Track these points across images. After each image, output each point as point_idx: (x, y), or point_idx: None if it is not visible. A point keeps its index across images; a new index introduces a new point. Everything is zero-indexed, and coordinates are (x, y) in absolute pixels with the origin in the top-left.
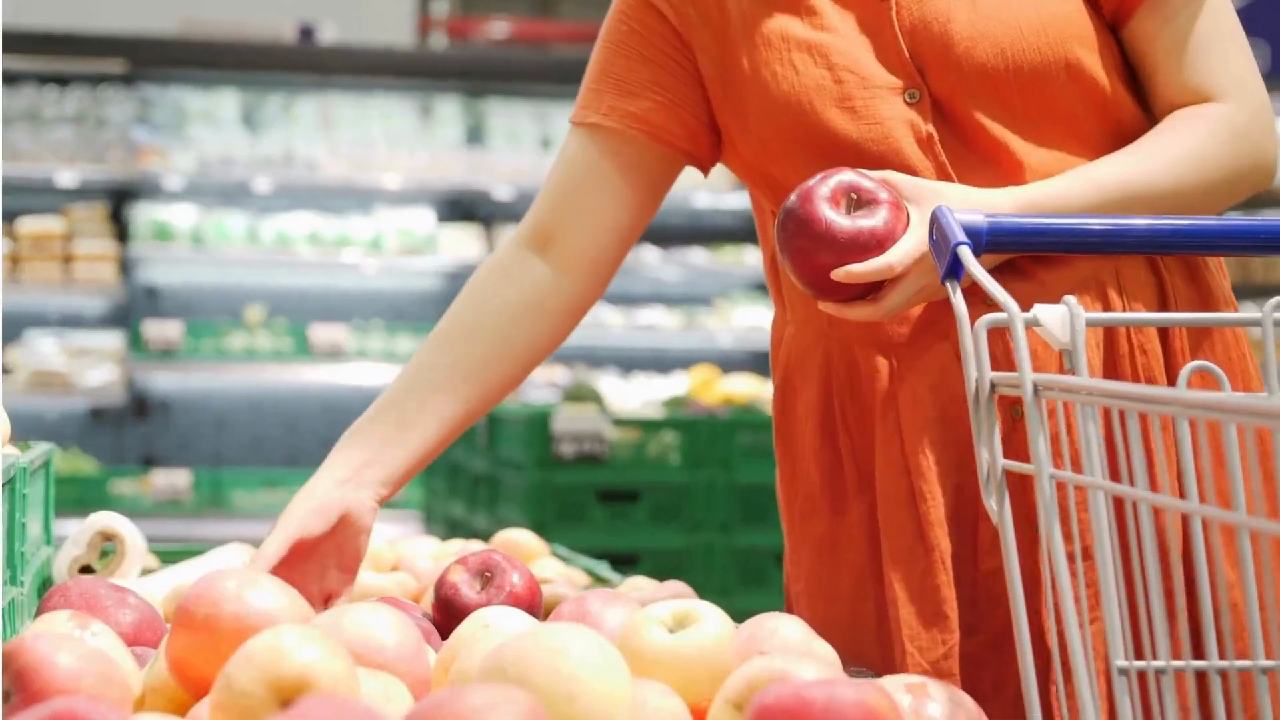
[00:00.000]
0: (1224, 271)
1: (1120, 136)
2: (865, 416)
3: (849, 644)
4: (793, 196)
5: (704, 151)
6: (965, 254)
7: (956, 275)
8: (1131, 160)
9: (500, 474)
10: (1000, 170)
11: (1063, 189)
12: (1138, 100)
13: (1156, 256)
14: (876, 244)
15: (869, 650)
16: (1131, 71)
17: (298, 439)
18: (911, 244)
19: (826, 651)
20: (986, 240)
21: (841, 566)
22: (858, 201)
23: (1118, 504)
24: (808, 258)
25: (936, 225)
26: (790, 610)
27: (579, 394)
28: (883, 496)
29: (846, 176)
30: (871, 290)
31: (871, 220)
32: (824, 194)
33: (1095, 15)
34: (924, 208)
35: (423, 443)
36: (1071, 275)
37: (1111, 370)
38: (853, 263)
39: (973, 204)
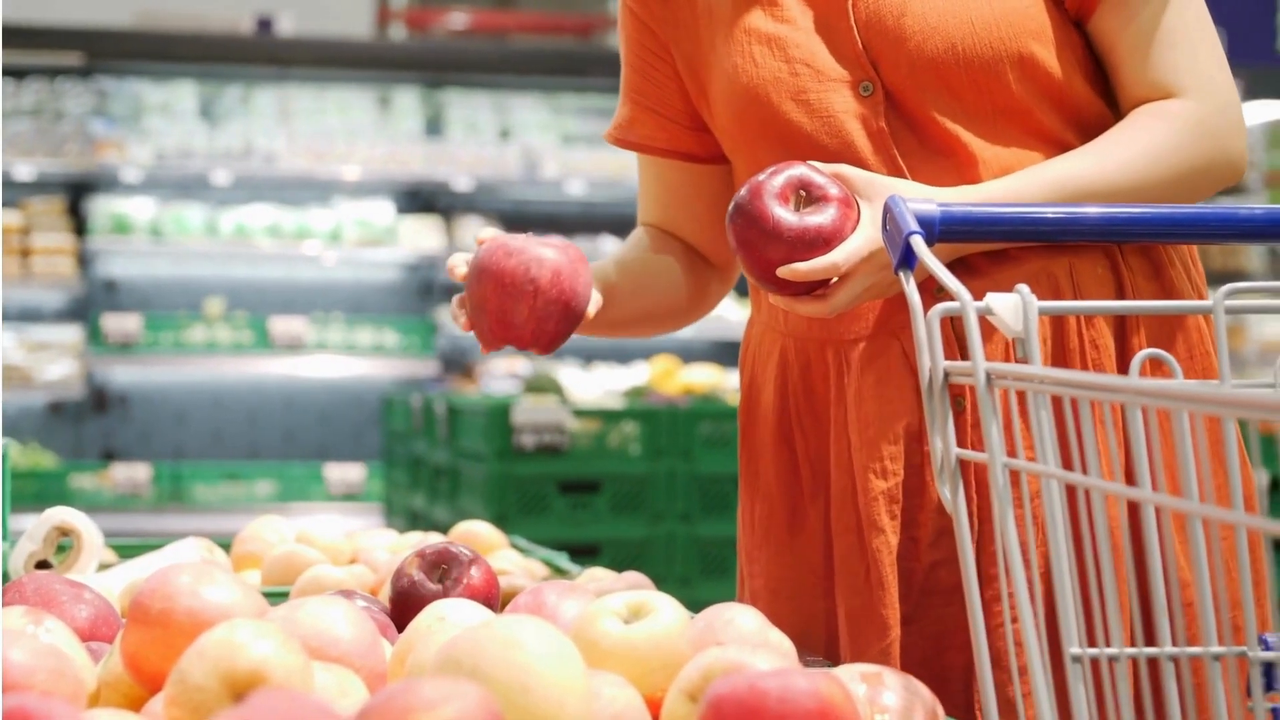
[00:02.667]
0: (1197, 268)
1: (1082, 133)
2: (819, 417)
3: (810, 642)
4: (743, 190)
5: (692, 149)
6: (918, 243)
7: (910, 265)
8: (1090, 158)
9: (461, 466)
10: (955, 165)
11: (1018, 186)
12: (1103, 97)
13: (1117, 254)
14: (824, 242)
15: (831, 647)
16: (1098, 67)
17: (258, 432)
18: (859, 242)
19: (782, 642)
20: (940, 230)
21: (802, 566)
22: (808, 198)
23: (1072, 493)
24: (756, 252)
25: (890, 215)
26: (750, 602)
27: (539, 385)
28: (834, 495)
29: (798, 171)
30: (820, 286)
31: (819, 218)
32: (774, 189)
33: (1056, 10)
34: (876, 204)
35: (633, 294)
36: (1024, 272)
37: (1061, 365)
38: (799, 260)
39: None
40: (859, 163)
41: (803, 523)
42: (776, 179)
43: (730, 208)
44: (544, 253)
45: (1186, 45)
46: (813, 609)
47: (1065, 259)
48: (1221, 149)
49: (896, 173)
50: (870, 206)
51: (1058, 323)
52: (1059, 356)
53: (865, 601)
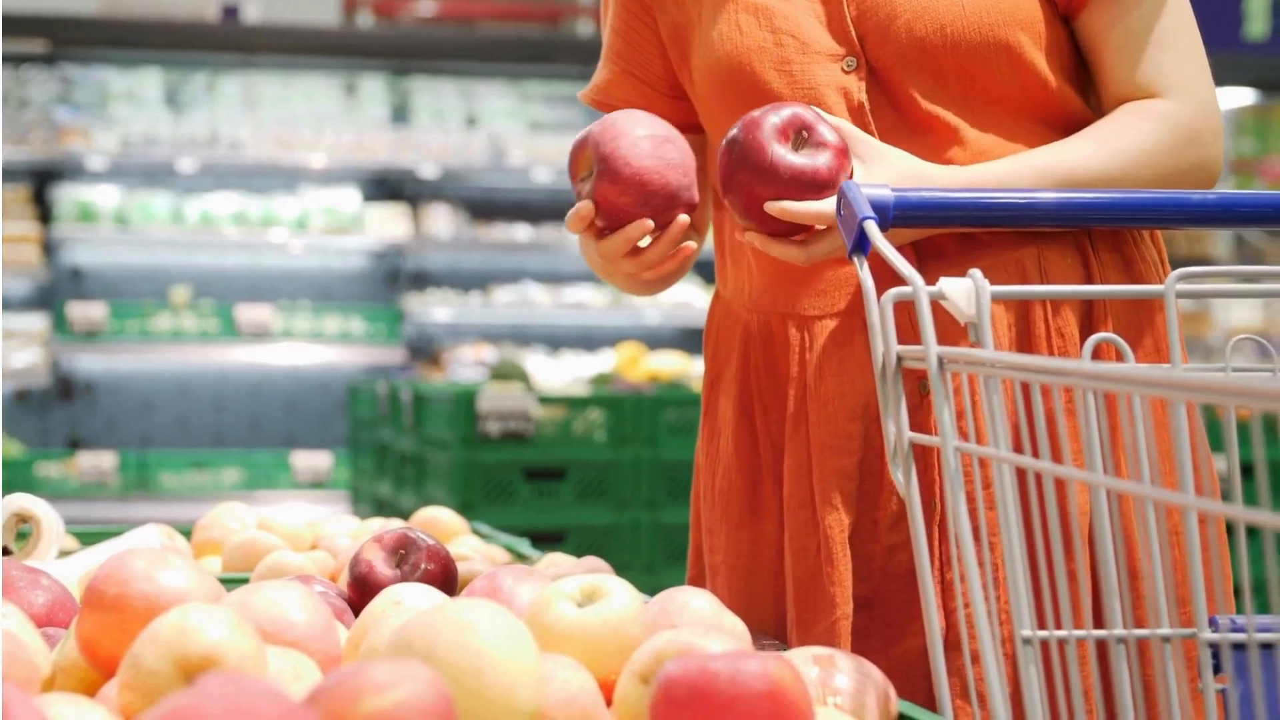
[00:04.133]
0: (1166, 266)
1: (1060, 129)
2: (780, 393)
3: (769, 618)
4: (741, 121)
5: (668, 117)
6: (871, 229)
7: (863, 250)
8: (1079, 148)
9: (426, 453)
10: (933, 145)
11: (1006, 171)
12: (1083, 96)
13: (1088, 248)
14: (817, 187)
15: (783, 625)
16: (1081, 67)
17: (225, 420)
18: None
19: (735, 625)
20: (894, 215)
21: (760, 543)
22: (806, 140)
23: (1026, 476)
24: (746, 184)
25: (844, 199)
26: (707, 582)
27: (505, 372)
28: (789, 472)
29: (800, 111)
30: (801, 232)
31: (815, 161)
32: (774, 125)
33: (1047, 5)
34: (869, 166)
35: None
36: (992, 259)
37: (1026, 352)
38: (790, 199)
39: (914, 175)
40: None
41: (761, 499)
42: (778, 115)
43: (725, 140)
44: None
45: (1174, 47)
46: (769, 586)
47: (1034, 249)
48: (1204, 154)
49: None
50: (864, 167)
51: (1023, 311)
52: (1024, 344)
53: (813, 578)
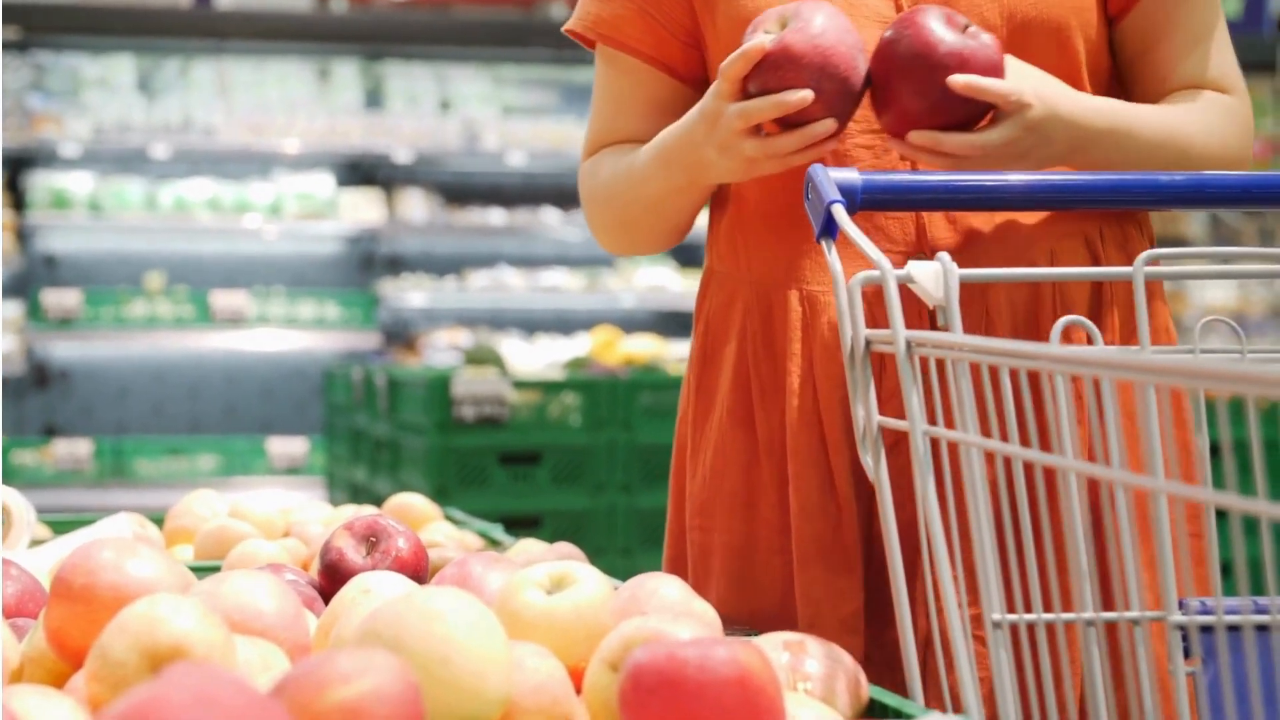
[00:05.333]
0: None
1: None
2: (778, 367)
3: (770, 600)
4: (897, 21)
5: (677, 64)
6: (839, 212)
7: (831, 234)
8: (1186, 117)
9: (401, 438)
10: None
11: (1132, 114)
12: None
13: (1096, 239)
14: (991, 68)
15: (787, 605)
16: (1110, 72)
17: (200, 406)
18: (1026, 83)
19: (705, 611)
20: (862, 198)
21: (757, 522)
22: (965, 29)
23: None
24: (919, 74)
25: (811, 183)
26: (690, 564)
27: (479, 356)
28: (793, 451)
29: (947, 10)
30: (974, 121)
31: (984, 44)
32: (936, 15)
33: (1099, 4)
34: (1011, 66)
35: None
36: (1007, 255)
37: (1033, 339)
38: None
39: (1050, 82)
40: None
41: (759, 479)
42: (934, 10)
43: (884, 41)
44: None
45: (1220, 43)
46: (768, 566)
47: (1046, 244)
48: (1248, 148)
49: None
50: (1009, 66)
51: (1032, 299)
52: (1030, 331)
53: (830, 563)
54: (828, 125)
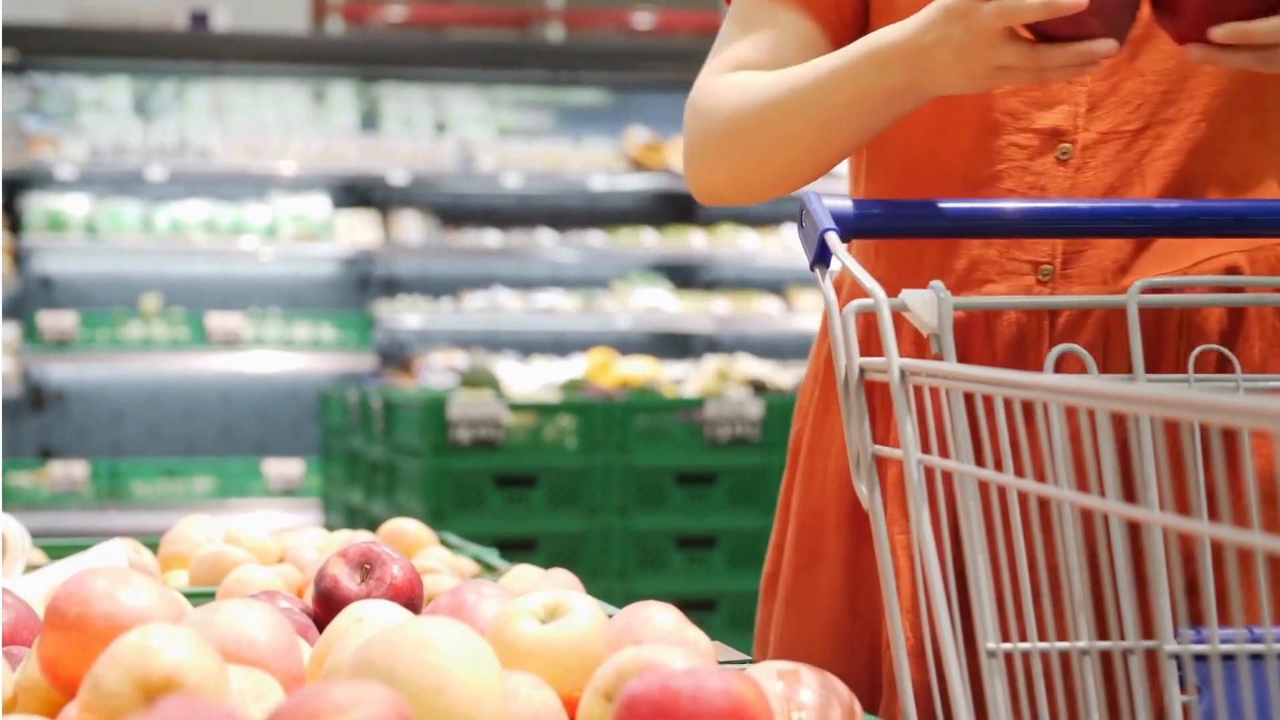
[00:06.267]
0: None
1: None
2: None
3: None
4: None
5: (829, 12)
6: (833, 240)
7: (825, 262)
8: None
9: (397, 461)
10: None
11: None
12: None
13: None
14: None
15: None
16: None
17: (196, 428)
18: None
19: (700, 640)
20: (855, 226)
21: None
22: None
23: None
24: None
25: (805, 211)
26: (787, 577)
27: (475, 379)
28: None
29: None
30: (1264, 10)
31: None
32: None
33: None
34: None
35: None
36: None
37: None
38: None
39: None
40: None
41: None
42: None
43: None
44: None
45: None
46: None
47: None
48: None
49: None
50: None
51: (1157, 323)
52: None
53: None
54: (1108, 45)
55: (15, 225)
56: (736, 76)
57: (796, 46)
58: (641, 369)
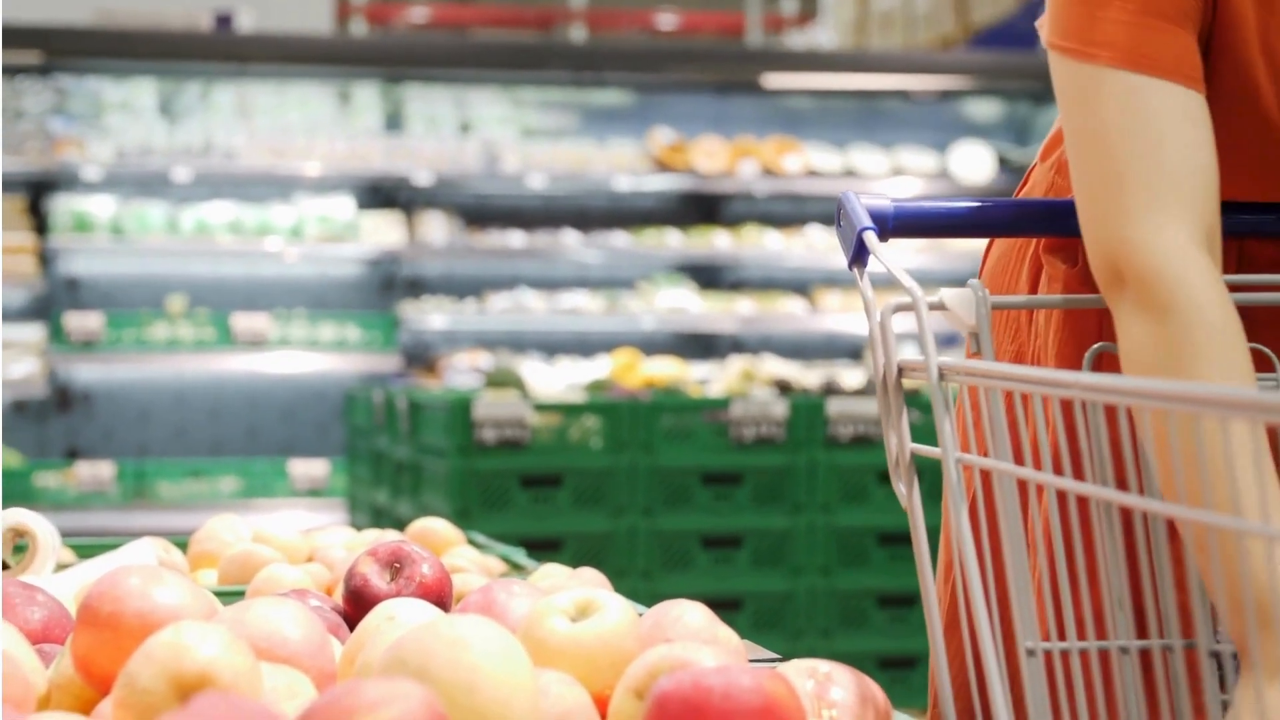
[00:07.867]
0: None
1: None
2: None
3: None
4: None
5: (1197, 71)
6: (870, 239)
7: (863, 260)
8: None
9: (423, 461)
10: None
11: None
12: None
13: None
14: None
15: None
16: None
17: (221, 428)
18: None
19: (730, 638)
20: (893, 225)
21: None
22: None
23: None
24: None
25: (843, 210)
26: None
27: (500, 379)
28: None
29: None
30: None
31: None
32: None
33: None
34: None
35: None
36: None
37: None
38: None
39: None
40: None
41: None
42: None
43: None
44: None
45: None
46: None
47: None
48: None
49: None
50: None
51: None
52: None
53: None
54: None
55: (41, 226)
56: (1229, 323)
57: (1205, 130)
58: (666, 369)
